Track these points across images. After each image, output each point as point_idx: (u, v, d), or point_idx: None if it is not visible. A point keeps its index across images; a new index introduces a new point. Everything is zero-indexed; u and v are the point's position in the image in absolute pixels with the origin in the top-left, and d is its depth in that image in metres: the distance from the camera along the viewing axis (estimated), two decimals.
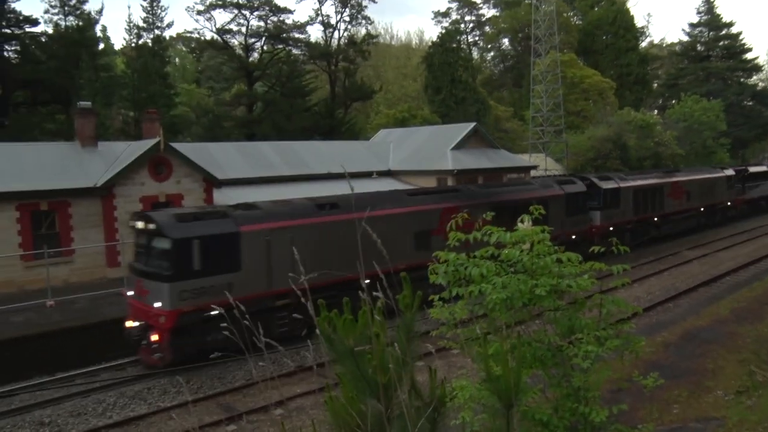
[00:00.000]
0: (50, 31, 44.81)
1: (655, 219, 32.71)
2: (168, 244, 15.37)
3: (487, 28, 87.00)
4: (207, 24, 75.47)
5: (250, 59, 58.44)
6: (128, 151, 25.20)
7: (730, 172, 41.36)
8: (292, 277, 3.40)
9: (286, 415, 12.52)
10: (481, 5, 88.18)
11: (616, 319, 6.13)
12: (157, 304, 15.18)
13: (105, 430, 12.97)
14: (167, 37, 56.66)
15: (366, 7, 62.78)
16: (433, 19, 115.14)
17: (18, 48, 42.33)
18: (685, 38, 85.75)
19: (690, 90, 70.41)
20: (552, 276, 5.50)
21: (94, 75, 40.64)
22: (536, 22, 54.69)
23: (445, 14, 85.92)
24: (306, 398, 13.62)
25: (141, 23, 49.18)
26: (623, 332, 5.91)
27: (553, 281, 5.42)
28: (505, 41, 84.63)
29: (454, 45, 58.40)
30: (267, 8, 56.34)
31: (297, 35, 59.59)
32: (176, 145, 26.58)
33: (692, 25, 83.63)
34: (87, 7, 52.36)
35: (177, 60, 75.43)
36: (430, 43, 63.98)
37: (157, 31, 49.44)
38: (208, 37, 59.43)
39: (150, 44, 48.18)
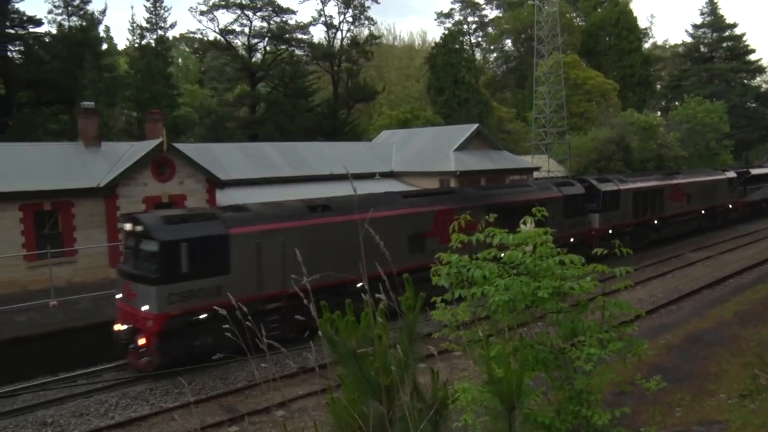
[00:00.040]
0: (54, 31, 45.00)
1: (655, 222, 32.42)
2: (155, 247, 15.14)
3: (489, 29, 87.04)
4: (210, 24, 75.86)
5: (253, 60, 58.53)
6: (131, 151, 25.24)
7: (731, 174, 41.00)
8: (294, 279, 3.37)
9: (288, 416, 12.52)
10: (483, 6, 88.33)
11: (618, 321, 6.12)
12: (145, 308, 14.99)
13: (107, 430, 12.97)
14: (170, 38, 56.86)
15: (369, 7, 62.89)
16: (436, 20, 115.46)
17: (22, 48, 42.44)
18: (689, 39, 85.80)
19: (693, 91, 70.35)
20: (555, 278, 5.49)
21: (97, 75, 40.73)
22: (539, 23, 54.67)
23: (448, 15, 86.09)
24: (308, 400, 13.62)
25: (144, 24, 49.37)
26: (626, 335, 5.89)
27: (555, 283, 5.40)
28: (508, 42, 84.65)
29: (457, 46, 58.44)
30: (270, 9, 56.43)
31: (300, 36, 59.71)
32: (179, 146, 26.61)
33: (695, 27, 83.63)
34: (90, 7, 52.27)
35: (180, 60, 75.58)
36: (432, 44, 64.04)
37: (160, 32, 49.59)
38: (211, 38, 59.58)
39: (153, 45, 48.28)
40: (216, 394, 14.53)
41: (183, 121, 49.73)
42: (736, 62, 79.77)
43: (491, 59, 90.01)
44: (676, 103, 76.22)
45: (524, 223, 5.90)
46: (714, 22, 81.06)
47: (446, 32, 61.53)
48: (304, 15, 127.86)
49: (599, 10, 77.65)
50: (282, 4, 57.08)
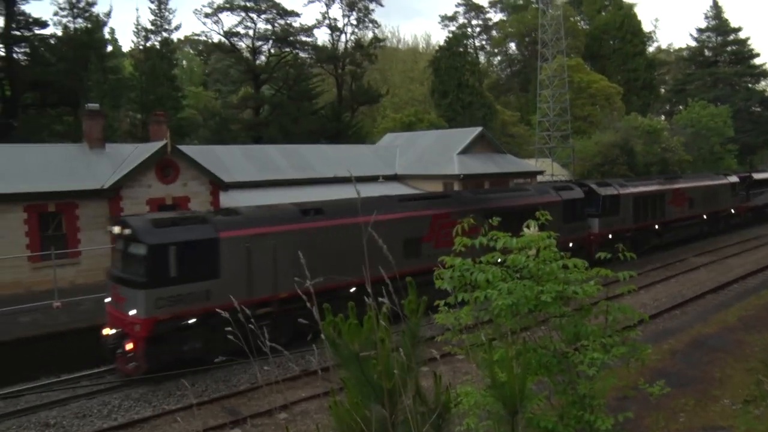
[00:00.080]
0: (59, 33, 45.14)
1: (656, 227, 32.09)
2: (143, 250, 14.92)
3: (494, 33, 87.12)
4: (214, 27, 75.65)
5: (258, 62, 58.68)
6: (135, 153, 25.29)
7: (734, 179, 40.65)
8: (297, 282, 3.37)
9: (290, 419, 12.51)
10: (488, 9, 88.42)
11: (622, 326, 6.10)
12: (132, 312, 14.80)
13: None
14: (175, 40, 56.93)
15: (373, 10, 63.04)
16: (440, 23, 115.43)
17: (27, 50, 42.60)
18: (693, 43, 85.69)
19: (697, 95, 70.26)
20: (558, 282, 5.48)
21: (102, 77, 40.86)
22: (543, 27, 54.68)
23: (452, 18, 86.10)
24: (310, 402, 13.61)
25: (149, 26, 49.47)
26: (629, 339, 5.88)
27: (558, 287, 5.40)
28: (512, 46, 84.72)
29: (461, 49, 58.46)
30: (274, 11, 56.59)
31: (304, 38, 59.84)
32: (183, 148, 26.66)
33: (700, 31, 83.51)
34: (96, 9, 52.53)
35: (184, 63, 75.74)
36: (436, 47, 64.12)
37: (164, 34, 49.69)
38: (216, 40, 59.75)
39: (158, 47, 48.39)
40: (218, 396, 14.54)
41: (187, 123, 49.83)
42: (741, 66, 79.61)
43: (495, 62, 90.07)
44: (681, 107, 76.15)
45: (527, 227, 5.89)
46: (719, 26, 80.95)
47: (450, 35, 61.58)
48: (308, 18, 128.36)
49: (603, 13, 77.67)
50: (286, 7, 57.35)
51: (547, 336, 5.69)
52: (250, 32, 57.34)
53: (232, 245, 15.97)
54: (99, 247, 22.82)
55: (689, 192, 34.99)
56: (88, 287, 21.40)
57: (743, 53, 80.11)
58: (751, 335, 16.22)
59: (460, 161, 34.91)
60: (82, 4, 45.22)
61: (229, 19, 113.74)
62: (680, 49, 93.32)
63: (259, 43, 58.42)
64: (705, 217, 36.77)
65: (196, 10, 71.50)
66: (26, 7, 42.32)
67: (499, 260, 5.71)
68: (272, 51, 59.43)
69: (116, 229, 15.98)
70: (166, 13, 49.54)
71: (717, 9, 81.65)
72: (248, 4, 55.41)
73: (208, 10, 56.23)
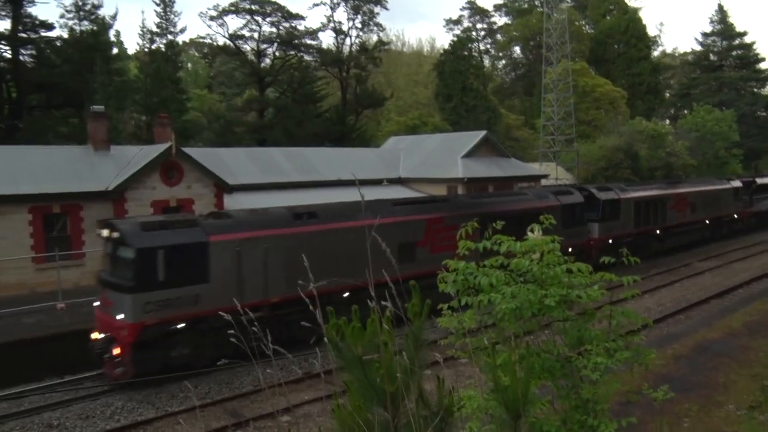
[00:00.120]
0: (65, 35, 45.34)
1: (658, 232, 31.79)
2: (131, 254, 14.72)
3: (498, 36, 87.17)
4: (219, 30, 75.81)
5: (262, 65, 58.81)
6: (140, 155, 25.37)
7: (737, 183, 40.28)
8: (301, 285, 3.37)
9: (293, 421, 12.51)
10: (492, 13, 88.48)
11: (626, 330, 6.08)
12: (120, 317, 14.62)
13: None
14: (180, 43, 57.15)
15: (378, 14, 63.14)
16: (444, 26, 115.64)
17: (34, 52, 42.76)
18: (698, 48, 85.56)
19: (702, 100, 70.13)
20: (562, 286, 5.47)
21: (107, 79, 41.00)
22: (548, 31, 54.69)
23: (457, 22, 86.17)
24: (313, 405, 13.60)
25: (154, 28, 49.60)
26: (633, 344, 5.86)
27: (562, 291, 5.38)
28: (517, 49, 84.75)
29: (466, 53, 58.55)
30: (279, 14, 56.73)
31: (309, 41, 60.00)
32: (187, 150, 26.74)
33: (705, 35, 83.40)
34: (101, 12, 52.81)
35: (189, 65, 75.94)
36: (441, 51, 64.21)
37: (170, 37, 49.83)
38: (221, 43, 59.95)
39: (163, 49, 48.55)
40: (221, 398, 14.54)
41: (192, 126, 49.96)
42: (746, 71, 79.46)
43: (500, 66, 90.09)
44: (685, 111, 76.03)
45: (531, 231, 5.88)
46: (724, 30, 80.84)
47: (455, 39, 61.69)
48: (313, 21, 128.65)
49: (608, 18, 77.62)
50: (291, 10, 57.41)
51: (550, 340, 5.68)
52: (255, 35, 57.58)
53: (222, 249, 15.78)
54: (103, 248, 22.87)
55: (691, 197, 34.65)
56: (92, 289, 21.35)
57: (748, 57, 79.96)
58: (756, 340, 16.16)
59: (464, 165, 34.91)
60: (88, 7, 45.44)
61: (234, 22, 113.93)
62: (685, 54, 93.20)
63: (264, 46, 58.60)
64: (707, 222, 36.44)
65: (201, 12, 72.11)
66: (33, 10, 42.42)
67: (503, 264, 5.70)
68: (277, 54, 59.58)
69: (104, 233, 15.80)
70: (172, 16, 49.72)
71: (722, 13, 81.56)
72: (253, 8, 55.57)
73: (213, 13, 56.48)
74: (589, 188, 29.32)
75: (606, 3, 78.05)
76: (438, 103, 59.08)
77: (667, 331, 18.70)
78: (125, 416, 13.82)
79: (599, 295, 5.61)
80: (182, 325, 15.13)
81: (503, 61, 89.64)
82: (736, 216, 40.14)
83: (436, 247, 19.79)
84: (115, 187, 23.21)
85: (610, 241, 27.59)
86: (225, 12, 55.88)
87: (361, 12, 61.99)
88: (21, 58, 41.97)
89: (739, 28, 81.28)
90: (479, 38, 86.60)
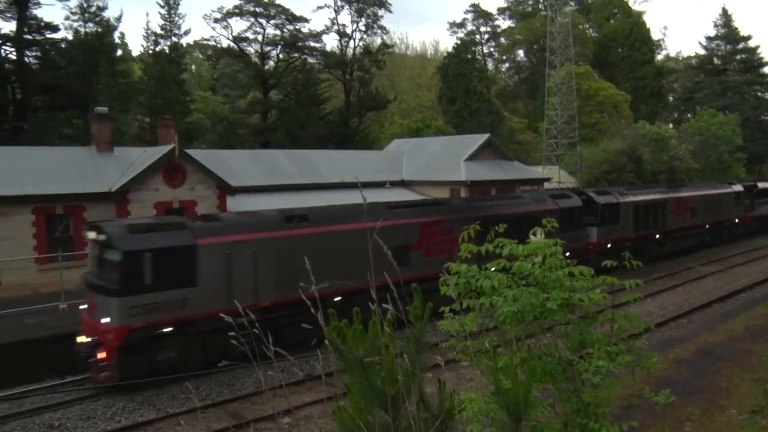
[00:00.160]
0: (70, 37, 45.52)
1: (657, 236, 31.50)
2: (118, 257, 14.50)
3: (502, 40, 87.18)
4: (223, 32, 76.24)
5: (266, 67, 58.94)
6: (143, 156, 25.42)
7: (738, 187, 39.96)
8: (302, 287, 3.37)
9: (293, 423, 12.51)
10: (496, 16, 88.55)
11: (627, 334, 6.08)
12: (105, 320, 14.43)
13: None
14: (184, 45, 57.34)
15: (382, 17, 63.27)
16: (448, 29, 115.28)
17: (38, 54, 42.93)
18: (702, 51, 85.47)
19: (706, 104, 70.09)
20: (564, 290, 5.46)
21: (111, 81, 41.13)
22: (551, 34, 54.71)
23: (461, 25, 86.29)
24: (314, 407, 13.60)
25: (159, 30, 49.83)
26: (635, 348, 5.85)
27: (564, 295, 5.37)
28: (520, 53, 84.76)
29: (469, 56, 58.60)
30: (283, 17, 56.84)
31: (313, 44, 60.12)
32: (191, 152, 26.78)
33: (709, 39, 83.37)
34: (106, 14, 52.97)
35: (193, 67, 76.16)
36: (445, 54, 64.25)
37: (174, 39, 50.04)
38: (225, 45, 60.16)
39: (167, 51, 48.71)
40: (222, 400, 14.54)
41: (195, 128, 50.07)
42: (750, 75, 79.37)
43: (503, 69, 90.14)
44: (689, 115, 75.94)
45: (534, 234, 5.88)
46: (728, 34, 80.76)
47: (458, 42, 61.75)
48: (317, 23, 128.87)
49: (612, 21, 77.61)
50: (295, 13, 57.54)
51: (552, 343, 5.67)
52: (259, 37, 57.67)
53: (211, 252, 15.58)
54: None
55: (691, 201, 34.41)
56: None
57: (753, 62, 79.87)
58: (759, 345, 16.13)
59: (467, 167, 34.91)
60: (93, 9, 45.64)
61: (238, 25, 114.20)
62: (689, 57, 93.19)
63: (268, 48, 58.70)
64: (707, 226, 36.17)
65: (205, 15, 72.25)
66: (38, 12, 42.64)
67: (505, 267, 5.70)
68: (281, 56, 59.69)
69: (91, 235, 15.57)
70: (176, 18, 49.92)
71: (726, 17, 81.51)
72: (257, 10, 55.68)
73: (218, 16, 56.60)
74: (587, 192, 29.09)
75: (610, 6, 78.06)
76: (441, 106, 59.12)
77: (669, 334, 18.66)
78: (126, 417, 13.84)
79: (601, 298, 5.60)
80: (169, 328, 14.94)
81: (507, 65, 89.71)
82: (737, 220, 39.88)
83: (430, 250, 19.67)
84: (118, 188, 23.25)
85: (609, 245, 27.34)
86: (229, 14, 56.03)
87: (365, 15, 62.13)
88: (26, 59, 42.16)
89: (743, 32, 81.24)
90: (483, 41, 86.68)
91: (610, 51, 75.31)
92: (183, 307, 15.03)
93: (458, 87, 56.04)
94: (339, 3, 61.40)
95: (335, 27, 62.97)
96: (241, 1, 55.10)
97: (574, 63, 55.87)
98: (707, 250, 35.33)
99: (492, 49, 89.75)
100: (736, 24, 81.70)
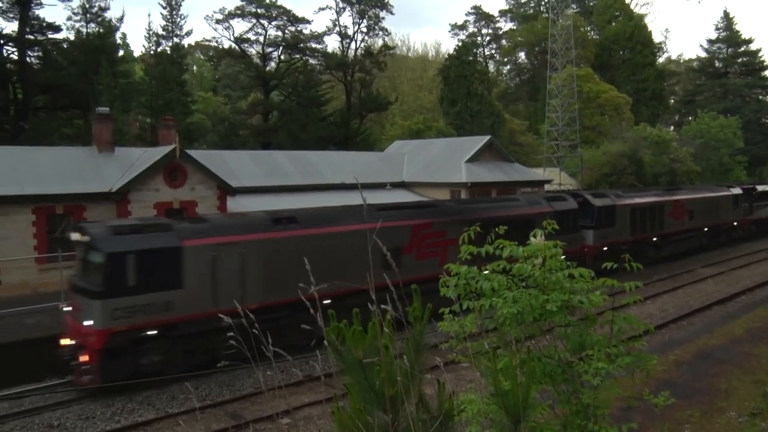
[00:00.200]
0: (72, 37, 45.61)
1: (654, 239, 31.27)
2: (100, 258, 14.31)
3: (503, 42, 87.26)
4: (225, 33, 76.36)
5: (267, 68, 58.98)
6: (144, 157, 25.44)
7: (737, 190, 39.70)
8: (302, 288, 3.37)
9: (293, 424, 12.51)
10: (498, 19, 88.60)
11: (627, 336, 6.08)
12: (88, 323, 14.16)
13: None
14: (186, 45, 57.37)
15: (383, 18, 63.31)
16: (449, 31, 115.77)
17: (40, 54, 42.99)
18: (703, 54, 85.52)
19: (707, 106, 70.05)
20: (563, 291, 5.47)
21: (113, 81, 41.18)
22: (553, 37, 54.74)
23: (462, 27, 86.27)
24: (314, 408, 13.60)
25: (160, 31, 49.91)
26: (635, 350, 5.85)
27: (564, 297, 5.38)
28: (522, 55, 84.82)
29: (471, 58, 58.59)
30: (285, 18, 56.90)
31: (314, 45, 60.15)
32: (192, 152, 26.81)
33: (710, 42, 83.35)
34: (108, 14, 53.06)
35: (195, 68, 76.24)
36: (446, 56, 64.28)
37: (175, 39, 50.12)
38: (226, 46, 60.17)
39: (168, 52, 48.77)
40: (221, 400, 14.54)
41: (196, 128, 50.12)
42: (751, 78, 79.36)
43: (504, 71, 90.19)
44: (690, 117, 75.92)
45: (534, 236, 5.88)
46: (729, 37, 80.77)
47: (460, 44, 61.75)
48: (318, 25, 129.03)
49: (613, 24, 77.62)
50: (297, 14, 57.66)
51: (551, 345, 5.67)
52: (261, 38, 57.73)
53: (197, 254, 15.35)
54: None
55: (689, 204, 34.16)
56: None
57: (754, 65, 79.87)
58: (759, 347, 16.12)
59: (467, 169, 34.93)
60: (95, 9, 45.72)
61: (239, 26, 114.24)
62: (690, 60, 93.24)
63: (270, 49, 58.75)
64: (706, 229, 35.92)
65: (207, 16, 72.24)
66: (40, 12, 42.67)
67: (504, 268, 5.70)
68: (282, 57, 59.74)
69: (74, 236, 15.44)
70: (178, 19, 50.01)
71: (728, 20, 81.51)
72: (259, 11, 55.74)
73: (219, 17, 56.67)
74: (583, 194, 28.84)
75: (611, 9, 78.08)
76: (442, 108, 59.15)
77: (669, 337, 18.66)
78: (125, 417, 13.84)
79: (601, 300, 5.60)
80: (154, 331, 14.74)
81: (508, 67, 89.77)
82: (735, 224, 39.62)
83: (422, 253, 19.42)
84: (119, 188, 23.27)
85: (605, 248, 27.12)
86: (231, 15, 56.09)
87: (366, 16, 62.17)
88: (28, 59, 42.20)
89: (744, 36, 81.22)
90: (484, 43, 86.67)
91: (611, 53, 75.31)
92: (168, 310, 14.82)
93: (459, 89, 56.06)
94: (341, 4, 61.54)
95: (337, 28, 63.09)
96: (243, 2, 55.21)
97: (575, 65, 55.90)
98: (708, 253, 35.28)
99: (493, 52, 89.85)
100: (737, 27, 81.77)
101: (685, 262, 32.43)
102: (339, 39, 64.45)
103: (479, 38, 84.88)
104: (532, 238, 5.89)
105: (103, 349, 14.15)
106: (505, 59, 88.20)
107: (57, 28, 42.95)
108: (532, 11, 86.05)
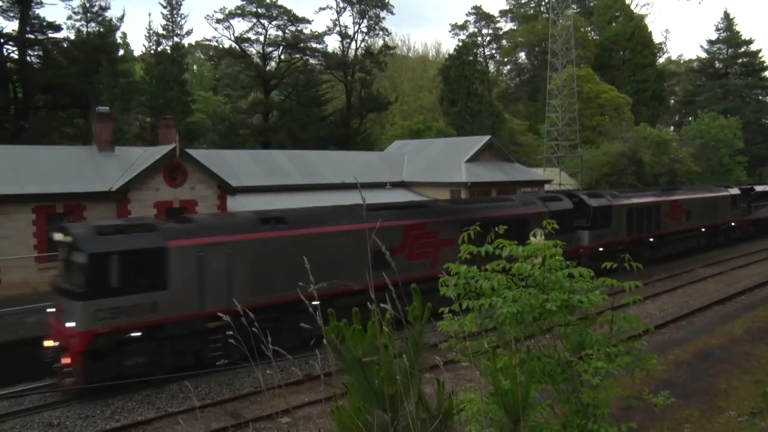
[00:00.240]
0: (72, 36, 45.62)
1: (651, 240, 31.08)
2: (83, 259, 14.10)
3: (504, 42, 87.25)
4: (225, 32, 76.42)
5: (268, 68, 58.99)
6: (144, 156, 25.44)
7: (735, 191, 39.53)
8: (301, 286, 3.37)
9: (292, 423, 12.50)
10: (498, 19, 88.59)
11: (627, 335, 6.08)
12: (70, 324, 13.93)
13: None
14: (186, 45, 57.36)
15: (384, 18, 63.32)
16: (450, 31, 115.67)
17: (41, 53, 43.00)
18: (704, 55, 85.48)
19: (707, 107, 70.04)
20: (563, 291, 5.47)
21: (113, 80, 41.17)
22: (553, 37, 54.73)
23: (463, 27, 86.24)
24: (313, 407, 13.61)
25: (161, 30, 49.88)
26: (634, 349, 5.85)
27: (564, 296, 5.38)
28: (522, 55, 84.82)
29: (471, 58, 58.60)
30: (285, 18, 56.91)
31: (314, 45, 60.18)
32: (192, 152, 26.82)
33: (711, 42, 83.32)
34: (109, 14, 53.06)
35: (195, 67, 76.18)
36: (446, 56, 64.29)
37: (176, 39, 50.09)
38: (227, 46, 60.21)
39: (169, 51, 48.75)
40: (221, 399, 14.55)
41: (196, 128, 50.11)
42: (752, 78, 79.34)
43: (504, 72, 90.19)
44: (690, 118, 75.92)
45: (534, 236, 5.89)
46: (729, 38, 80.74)
47: (460, 44, 61.75)
48: (319, 24, 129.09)
49: (614, 24, 77.61)
50: (297, 14, 57.66)
51: (551, 344, 5.67)
52: (261, 38, 57.75)
53: (182, 255, 15.14)
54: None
55: (686, 204, 33.96)
56: None
57: (754, 65, 79.85)
58: (758, 347, 16.12)
59: (467, 169, 34.94)
60: (95, 9, 45.72)
61: (240, 25, 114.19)
62: (690, 61, 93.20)
63: (270, 49, 58.76)
64: (703, 230, 35.76)
65: (207, 15, 72.18)
66: (41, 11, 42.63)
67: (504, 268, 5.70)
68: (282, 57, 59.75)
69: (57, 236, 15.26)
70: (178, 18, 49.98)
71: (728, 21, 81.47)
72: (259, 11, 55.74)
73: (220, 16, 56.68)
74: (579, 195, 28.66)
75: (612, 10, 78.07)
76: (442, 108, 59.16)
77: (668, 336, 18.67)
78: (125, 416, 13.84)
79: (601, 300, 5.60)
80: (138, 333, 14.57)
81: (508, 67, 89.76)
82: (733, 224, 39.43)
83: (413, 254, 19.17)
84: (119, 187, 23.28)
85: (601, 249, 26.93)
86: (231, 15, 56.10)
87: (367, 16, 62.16)
88: (28, 58, 42.21)
89: (745, 36, 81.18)
90: (484, 43, 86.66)
91: (611, 54, 75.31)
92: (152, 311, 14.68)
93: (459, 89, 56.06)
94: (341, 4, 61.53)
95: (337, 28, 63.09)
96: (243, 2, 55.20)
97: (575, 65, 55.89)
98: (707, 253, 35.24)
99: (493, 52, 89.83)
100: (737, 28, 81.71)
101: (684, 262, 32.41)
102: (339, 39, 64.54)
103: (479, 38, 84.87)
104: (532, 238, 5.89)
105: (86, 351, 13.96)
106: (506, 59, 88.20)
107: (57, 28, 42.98)
108: (532, 11, 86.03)
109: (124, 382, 14.37)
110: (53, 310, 15.15)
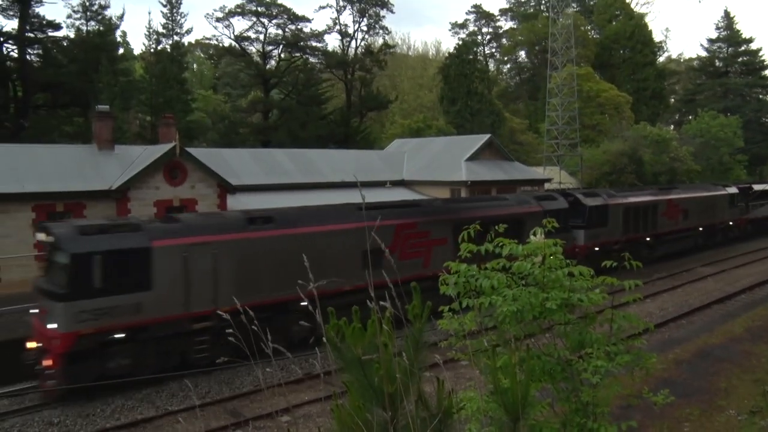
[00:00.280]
0: (72, 35, 45.62)
1: (648, 239, 30.87)
2: (65, 259, 13.90)
3: (504, 41, 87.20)
4: (225, 31, 76.34)
5: (268, 66, 58.99)
6: (144, 155, 25.44)
7: (733, 190, 39.31)
8: (301, 285, 3.37)
9: (292, 421, 12.51)
10: (498, 17, 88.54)
11: (627, 334, 6.08)
12: (52, 326, 13.71)
13: (113, 431, 13.03)
14: (186, 44, 57.34)
15: (384, 17, 63.33)
16: (450, 30, 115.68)
17: (40, 52, 43.00)
18: (704, 54, 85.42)
19: (707, 106, 70.02)
20: (563, 290, 5.46)
21: (113, 79, 41.17)
22: (553, 36, 54.70)
23: (463, 26, 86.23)
24: (313, 406, 13.62)
25: (160, 29, 49.86)
26: (634, 348, 5.85)
27: (564, 295, 5.38)
28: (522, 54, 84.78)
29: (471, 57, 58.58)
30: (285, 16, 56.90)
31: (314, 44, 60.18)
32: (192, 150, 26.81)
33: (711, 41, 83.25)
34: (108, 12, 53.00)
35: (195, 66, 76.15)
36: (446, 55, 64.27)
37: (176, 37, 50.05)
38: (227, 44, 60.19)
39: (169, 50, 48.74)
40: (221, 398, 14.56)
41: (196, 126, 50.11)
42: (752, 77, 79.26)
43: (504, 70, 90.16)
44: (690, 117, 75.91)
45: (534, 234, 5.89)
46: (730, 36, 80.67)
47: (460, 43, 61.73)
48: (319, 23, 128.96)
49: (614, 23, 77.57)
50: (297, 12, 57.58)
51: (551, 343, 5.67)
52: (261, 37, 57.76)
53: (167, 255, 14.96)
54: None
55: (684, 203, 33.76)
56: None
57: (754, 64, 79.77)
58: (758, 346, 16.13)
59: (467, 168, 34.94)
60: (95, 7, 45.70)
61: (240, 24, 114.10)
62: (690, 60, 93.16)
63: (270, 47, 58.76)
64: (701, 229, 35.56)
65: (207, 14, 72.24)
66: (40, 10, 42.61)
67: (504, 266, 5.70)
68: (282, 56, 59.75)
69: (40, 236, 15.03)
70: (178, 17, 49.94)
71: (728, 20, 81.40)
72: (259, 9, 55.73)
73: (220, 15, 56.70)
74: (574, 194, 28.48)
75: (612, 8, 78.02)
76: (442, 107, 59.14)
77: (668, 335, 18.67)
78: (125, 414, 13.85)
79: (601, 299, 5.60)
80: (122, 334, 14.41)
81: (508, 66, 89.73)
82: (731, 223, 39.25)
83: (404, 254, 18.81)
84: (119, 186, 23.28)
85: (597, 248, 26.76)
86: (231, 14, 56.09)
87: (367, 15, 62.15)
88: (28, 57, 42.21)
89: (745, 35, 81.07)
90: (484, 42, 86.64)
91: (611, 53, 75.27)
92: (136, 312, 14.53)
93: (459, 87, 56.05)
94: (341, 3, 61.51)
95: (337, 27, 63.10)
96: (243, 1, 55.16)
97: (575, 64, 55.85)
98: (707, 252, 35.21)
99: (493, 50, 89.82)
100: (738, 26, 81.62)
101: (684, 261, 32.39)
102: (339, 37, 64.54)
103: (479, 37, 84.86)
104: (532, 237, 5.89)
105: (68, 353, 13.77)
106: (506, 58, 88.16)
107: (57, 26, 42.97)
108: (532, 10, 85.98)
109: (107, 382, 14.20)
110: (36, 311, 14.99)
